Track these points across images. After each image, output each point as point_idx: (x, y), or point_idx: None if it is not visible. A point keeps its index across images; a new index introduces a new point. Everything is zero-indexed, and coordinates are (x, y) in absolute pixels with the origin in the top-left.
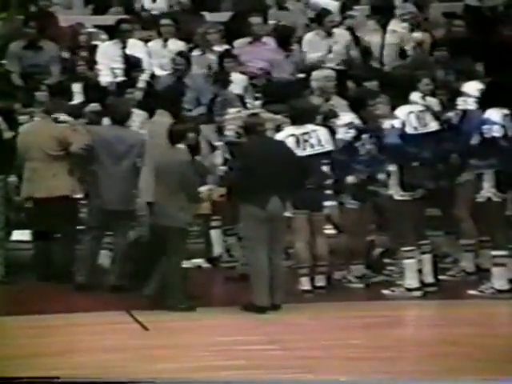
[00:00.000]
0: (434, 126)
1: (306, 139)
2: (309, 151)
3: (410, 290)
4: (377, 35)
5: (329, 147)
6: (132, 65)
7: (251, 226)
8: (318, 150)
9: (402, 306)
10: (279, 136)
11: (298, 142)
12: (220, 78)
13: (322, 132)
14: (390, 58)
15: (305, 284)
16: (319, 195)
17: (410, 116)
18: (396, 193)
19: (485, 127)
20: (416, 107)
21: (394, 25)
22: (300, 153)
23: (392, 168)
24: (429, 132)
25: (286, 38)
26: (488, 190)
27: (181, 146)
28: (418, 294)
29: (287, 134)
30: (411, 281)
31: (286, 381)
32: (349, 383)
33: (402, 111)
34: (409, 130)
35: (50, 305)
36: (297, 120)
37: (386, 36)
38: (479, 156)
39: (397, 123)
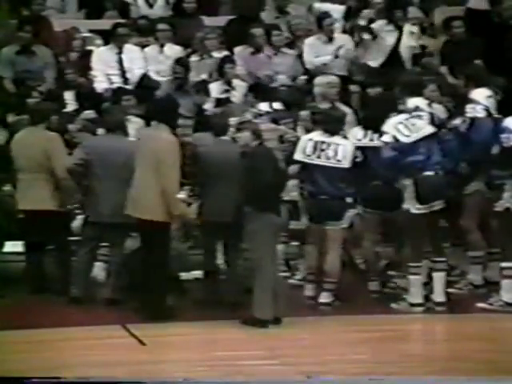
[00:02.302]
0: (429, 129)
1: (324, 149)
2: (322, 161)
3: (412, 305)
4: (391, 37)
5: (344, 164)
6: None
7: (269, 237)
8: (331, 163)
9: (407, 320)
10: (304, 138)
11: (315, 147)
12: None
13: (345, 148)
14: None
15: (308, 291)
16: (338, 207)
17: (399, 126)
18: (412, 206)
19: (503, 136)
20: (403, 116)
21: (409, 26)
22: (313, 160)
23: (406, 182)
24: (426, 136)
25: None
26: (508, 201)
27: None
28: (419, 309)
29: (307, 138)
30: (414, 296)
31: None
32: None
33: (389, 125)
34: (402, 138)
35: (42, 319)
36: (327, 128)
37: (402, 37)
38: (499, 165)
39: (386, 138)
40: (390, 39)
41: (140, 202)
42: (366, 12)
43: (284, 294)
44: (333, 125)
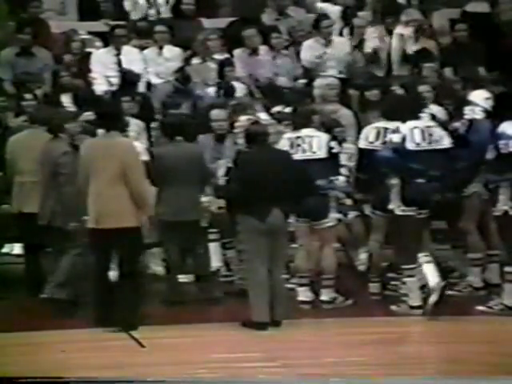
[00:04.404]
0: (446, 143)
1: (299, 143)
2: (299, 156)
3: (412, 307)
4: (382, 41)
5: (321, 155)
6: (129, 81)
7: (250, 239)
8: (308, 156)
9: (406, 322)
10: (283, 138)
11: (291, 145)
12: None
13: (319, 139)
14: (396, 63)
15: (302, 295)
16: (321, 203)
17: (414, 131)
18: (397, 207)
19: (501, 142)
20: (422, 122)
21: (400, 29)
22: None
23: (393, 181)
24: (440, 149)
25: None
26: (504, 203)
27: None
28: (419, 312)
29: (285, 137)
30: (413, 299)
31: None
32: None
33: (405, 126)
34: (410, 145)
35: (42, 321)
36: (295, 124)
37: (392, 41)
38: (495, 170)
39: (396, 137)
40: (379, 44)
41: (111, 212)
42: (362, 14)
43: (284, 296)
44: (298, 119)
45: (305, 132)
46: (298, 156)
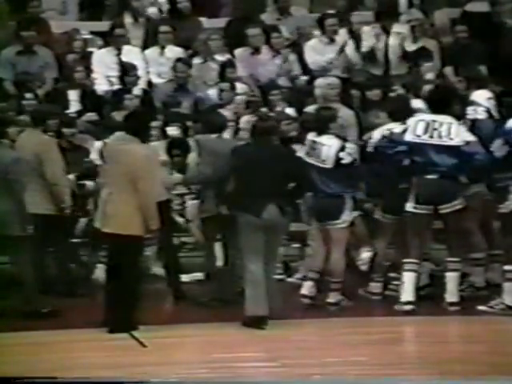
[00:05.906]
0: (457, 140)
1: (315, 148)
2: (314, 160)
3: (403, 303)
4: (379, 40)
5: (328, 165)
6: (125, 71)
7: (247, 235)
8: (319, 162)
9: (407, 322)
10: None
11: (310, 147)
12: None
13: (329, 149)
14: (395, 62)
15: (305, 289)
16: (335, 204)
17: (419, 123)
18: (410, 204)
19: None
20: (430, 117)
21: (398, 27)
22: (308, 158)
23: (414, 180)
24: (449, 145)
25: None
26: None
27: None
28: (408, 308)
29: (308, 137)
30: (406, 294)
31: None
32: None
33: (412, 119)
34: (409, 137)
35: (42, 321)
36: (313, 128)
37: (389, 39)
38: (503, 168)
39: (398, 129)
40: (375, 43)
41: (117, 217)
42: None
43: (275, 296)
44: (318, 124)
45: (321, 139)
46: (312, 159)
